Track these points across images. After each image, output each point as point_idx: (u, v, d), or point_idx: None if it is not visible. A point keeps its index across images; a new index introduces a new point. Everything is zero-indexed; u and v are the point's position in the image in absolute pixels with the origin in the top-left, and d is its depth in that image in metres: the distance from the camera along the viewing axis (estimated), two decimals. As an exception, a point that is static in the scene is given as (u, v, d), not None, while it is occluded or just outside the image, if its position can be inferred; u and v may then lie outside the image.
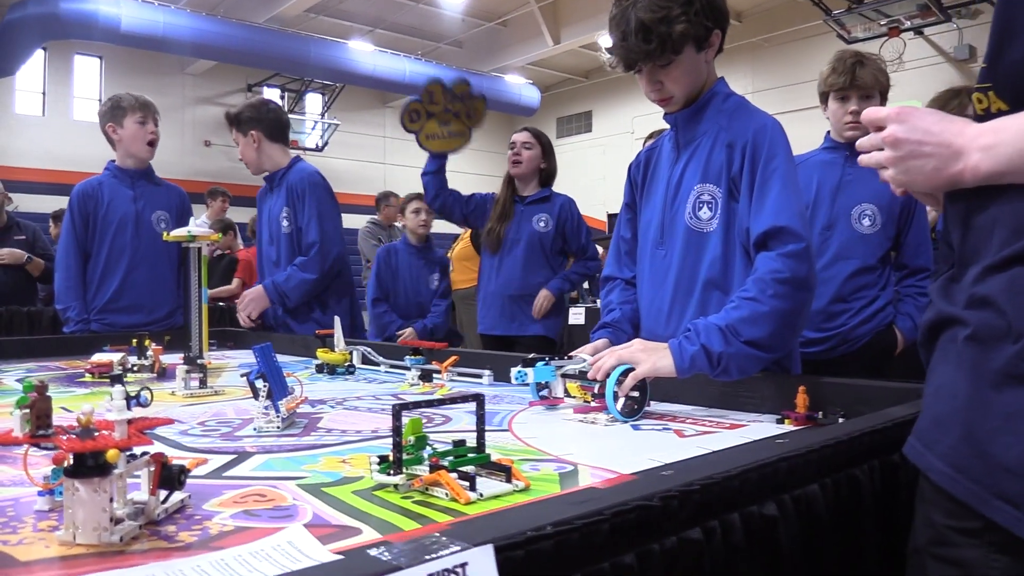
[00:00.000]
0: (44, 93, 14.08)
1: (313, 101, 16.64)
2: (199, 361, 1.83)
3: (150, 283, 3.25)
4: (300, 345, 2.70)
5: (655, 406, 1.65)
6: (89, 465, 0.79)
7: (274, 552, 0.75)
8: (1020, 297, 0.80)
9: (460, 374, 2.09)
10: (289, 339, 2.88)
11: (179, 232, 1.83)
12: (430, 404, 1.10)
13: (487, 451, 1.08)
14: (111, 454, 0.75)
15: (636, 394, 1.52)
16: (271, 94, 16.22)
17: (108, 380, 2.07)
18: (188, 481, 0.91)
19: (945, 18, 11.02)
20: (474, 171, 15.49)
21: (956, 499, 0.84)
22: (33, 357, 2.66)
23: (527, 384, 1.66)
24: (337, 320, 2.31)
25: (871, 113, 0.93)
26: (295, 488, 1.02)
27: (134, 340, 2.24)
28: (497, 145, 18.72)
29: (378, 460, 1.04)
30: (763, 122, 1.73)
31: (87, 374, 2.13)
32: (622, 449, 1.28)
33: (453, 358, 2.10)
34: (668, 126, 1.85)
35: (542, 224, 3.53)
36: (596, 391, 1.57)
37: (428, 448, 1.07)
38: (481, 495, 0.95)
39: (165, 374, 2.14)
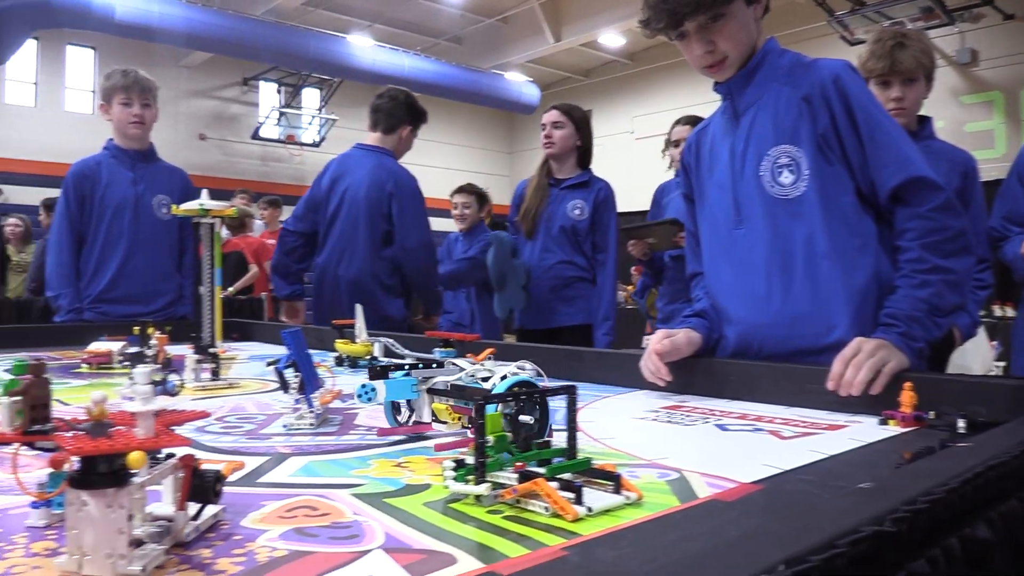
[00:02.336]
0: (36, 84, 13.81)
1: (311, 96, 16.38)
2: (211, 350, 1.63)
3: (149, 271, 3.03)
4: (313, 336, 2.49)
5: (729, 404, 1.46)
6: (102, 472, 0.59)
7: (354, 591, 0.55)
8: None
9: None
10: (301, 330, 2.67)
11: (190, 205, 1.63)
12: (516, 397, 0.90)
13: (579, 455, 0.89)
14: (135, 458, 0.55)
15: (530, 419, 0.95)
16: (268, 88, 15.99)
17: (108, 371, 1.88)
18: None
19: (949, 21, 10.87)
20: (475, 170, 15.32)
21: None
22: (23, 346, 2.45)
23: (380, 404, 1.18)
24: (359, 308, 2.10)
25: None
26: (351, 499, 0.82)
27: (135, 328, 2.03)
28: (497, 143, 18.54)
29: (453, 466, 0.84)
30: (835, 68, 1.57)
31: (84, 364, 1.93)
32: (723, 453, 1.09)
33: (489, 350, 1.89)
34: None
35: (576, 212, 3.28)
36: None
37: (509, 451, 0.88)
38: (590, 509, 0.76)
39: (170, 365, 1.94)
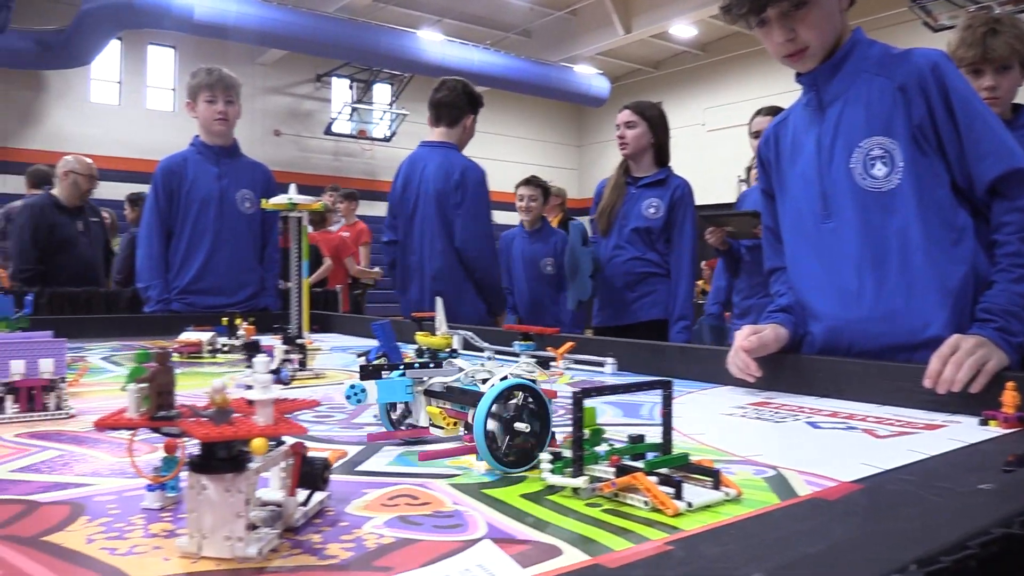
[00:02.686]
0: (120, 83, 14.31)
1: (381, 91, 16.61)
2: (299, 341, 1.67)
3: (233, 264, 3.12)
4: (394, 329, 2.52)
5: (818, 402, 1.43)
6: (221, 457, 0.61)
7: (466, 580, 0.56)
8: None
9: (578, 362, 1.89)
10: (390, 322, 2.71)
11: (279, 200, 1.66)
12: (614, 390, 0.90)
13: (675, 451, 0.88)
14: (257, 444, 0.57)
15: (526, 427, 0.92)
16: (340, 84, 16.25)
17: (198, 360, 1.94)
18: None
19: (1040, 2, 10.41)
20: (544, 163, 15.31)
21: None
22: (115, 336, 2.55)
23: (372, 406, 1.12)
24: (439, 301, 2.12)
25: None
26: (450, 489, 0.83)
27: (223, 319, 2.09)
28: (567, 136, 18.50)
29: (551, 458, 0.84)
30: (933, 57, 1.53)
31: (175, 354, 1.99)
32: (818, 451, 1.07)
33: (569, 344, 1.90)
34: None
35: (651, 211, 3.26)
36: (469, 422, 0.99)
37: (604, 444, 0.88)
38: (690, 505, 0.75)
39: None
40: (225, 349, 2.01)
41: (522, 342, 1.97)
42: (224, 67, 3.20)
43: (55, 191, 4.63)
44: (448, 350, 2.07)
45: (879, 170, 1.52)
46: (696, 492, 0.79)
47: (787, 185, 1.71)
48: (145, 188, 3.17)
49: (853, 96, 1.58)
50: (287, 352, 1.64)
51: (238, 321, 2.06)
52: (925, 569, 0.43)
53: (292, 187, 1.70)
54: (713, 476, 0.81)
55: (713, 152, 14.87)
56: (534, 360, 1.20)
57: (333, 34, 13.14)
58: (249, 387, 0.64)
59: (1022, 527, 0.51)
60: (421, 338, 2.10)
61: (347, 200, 7.15)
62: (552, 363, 1.87)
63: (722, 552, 0.65)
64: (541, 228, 4.45)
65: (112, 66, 14.08)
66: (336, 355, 2.20)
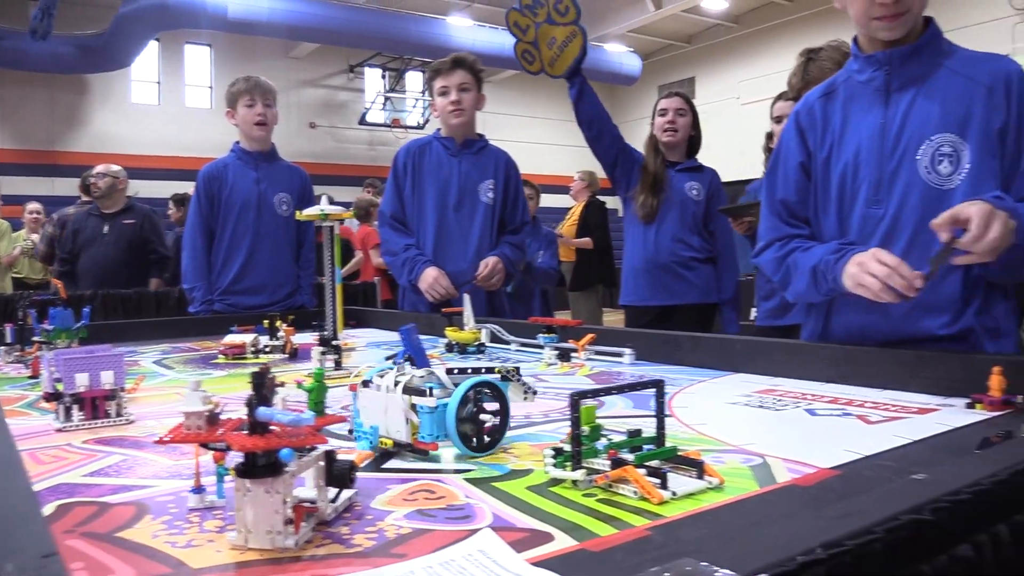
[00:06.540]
0: (159, 83, 14.62)
1: (414, 79, 16.74)
2: (334, 342, 1.79)
3: (272, 264, 3.27)
4: (425, 324, 2.64)
5: (823, 388, 1.51)
6: (261, 464, 0.72)
7: (467, 563, 0.66)
8: None
9: (598, 353, 1.99)
10: (412, 317, 2.83)
11: (311, 211, 1.78)
12: (608, 391, 0.99)
13: (666, 443, 0.98)
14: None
15: (493, 420, 1.08)
16: (372, 74, 16.41)
17: (242, 362, 2.07)
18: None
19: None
20: (576, 144, 15.29)
21: None
22: (165, 338, 2.70)
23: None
24: (467, 297, 2.23)
25: None
26: (464, 483, 0.94)
27: (265, 321, 2.22)
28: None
29: (553, 453, 0.95)
30: (1015, 65, 1.55)
31: (220, 355, 2.13)
32: (807, 438, 1.15)
33: (590, 336, 2.00)
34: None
35: (695, 192, 3.37)
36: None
37: (603, 439, 0.98)
38: (675, 493, 0.85)
39: (297, 355, 2.12)
40: (267, 350, 2.14)
41: (546, 334, 2.08)
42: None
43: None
44: (476, 344, 2.19)
45: (945, 168, 1.53)
46: (681, 482, 0.88)
47: (832, 161, 1.68)
48: (188, 186, 3.32)
49: (930, 86, 1.57)
50: (323, 353, 1.76)
51: (278, 323, 2.19)
52: (829, 551, 0.52)
53: (324, 199, 1.81)
54: (697, 467, 0.90)
55: (749, 125, 14.75)
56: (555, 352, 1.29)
57: (363, 24, 13.29)
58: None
59: (932, 513, 0.60)
60: (451, 333, 2.22)
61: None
62: (574, 354, 1.97)
63: (697, 536, 0.75)
64: (534, 224, 4.66)
65: (151, 67, 14.41)
66: (371, 351, 2.32)
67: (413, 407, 1.05)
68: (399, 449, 1.08)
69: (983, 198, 1.39)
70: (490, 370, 1.12)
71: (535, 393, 1.21)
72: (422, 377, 1.10)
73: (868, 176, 1.61)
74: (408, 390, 1.07)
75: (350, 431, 1.15)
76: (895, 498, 0.62)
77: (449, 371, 1.11)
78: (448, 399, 1.04)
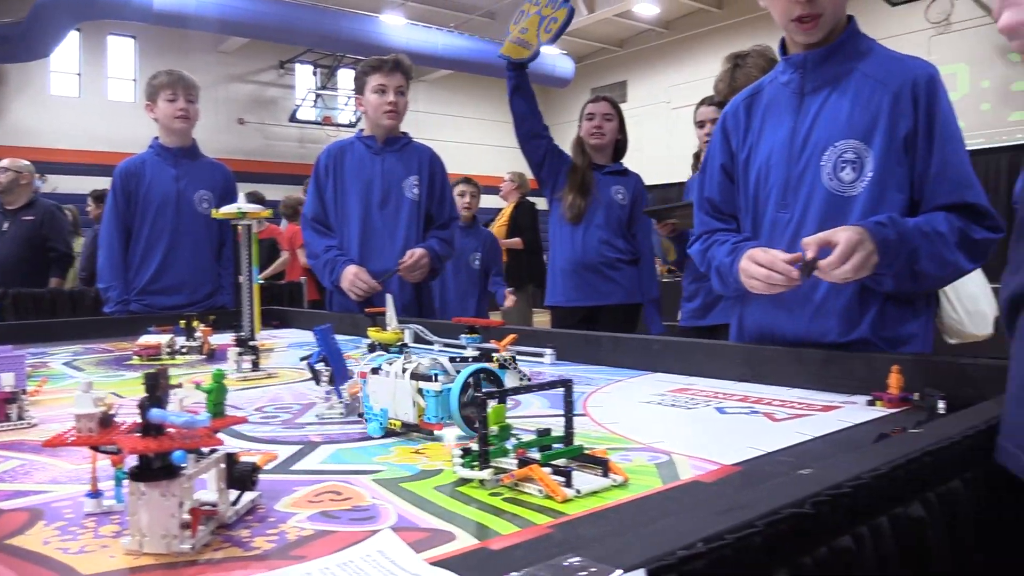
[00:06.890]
0: (79, 74, 14.14)
1: (346, 77, 16.54)
2: (251, 343, 1.76)
3: (191, 264, 3.19)
4: (348, 324, 2.62)
5: (735, 387, 1.55)
6: (156, 467, 0.71)
7: (365, 564, 0.66)
8: None
9: (520, 353, 1.99)
10: (337, 317, 2.80)
11: (228, 209, 1.75)
12: (516, 391, 1.00)
13: (576, 441, 0.99)
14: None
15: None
16: (304, 70, 16.17)
17: (158, 363, 2.02)
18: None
19: (992, -26, 10.61)
20: (510, 144, 15.31)
21: None
22: (79, 339, 2.62)
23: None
24: (390, 298, 2.21)
25: None
26: (371, 484, 0.94)
27: (182, 321, 2.17)
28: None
29: (461, 453, 0.95)
30: (927, 68, 1.55)
31: (135, 356, 2.08)
32: (714, 436, 1.18)
33: (511, 336, 2.00)
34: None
35: (620, 196, 3.44)
36: None
37: (512, 439, 0.99)
38: (578, 492, 0.86)
39: (214, 356, 2.08)
40: (183, 351, 2.09)
41: (469, 335, 2.08)
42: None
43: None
44: (399, 344, 2.18)
45: (847, 174, 1.55)
46: (586, 480, 0.90)
47: (751, 162, 1.70)
48: (110, 182, 3.22)
49: (840, 91, 1.57)
50: (240, 354, 1.73)
51: (195, 323, 2.14)
52: (709, 545, 0.54)
53: (241, 196, 1.78)
54: (602, 465, 0.92)
55: (679, 129, 15.01)
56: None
57: (295, 20, 13.07)
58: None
59: (813, 507, 0.63)
60: (373, 333, 2.20)
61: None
62: (495, 354, 1.97)
63: (598, 533, 0.76)
64: (472, 224, 4.77)
65: (71, 58, 13.91)
66: (292, 352, 2.29)
67: (420, 391, 1.14)
68: (407, 430, 1.17)
69: (863, 224, 1.42)
70: (489, 359, 1.25)
71: (530, 380, 1.31)
72: (428, 365, 1.18)
73: (777, 180, 1.64)
74: (415, 376, 1.15)
75: (361, 414, 1.25)
76: (780, 492, 0.64)
77: (452, 359, 1.20)
78: (451, 384, 1.12)
